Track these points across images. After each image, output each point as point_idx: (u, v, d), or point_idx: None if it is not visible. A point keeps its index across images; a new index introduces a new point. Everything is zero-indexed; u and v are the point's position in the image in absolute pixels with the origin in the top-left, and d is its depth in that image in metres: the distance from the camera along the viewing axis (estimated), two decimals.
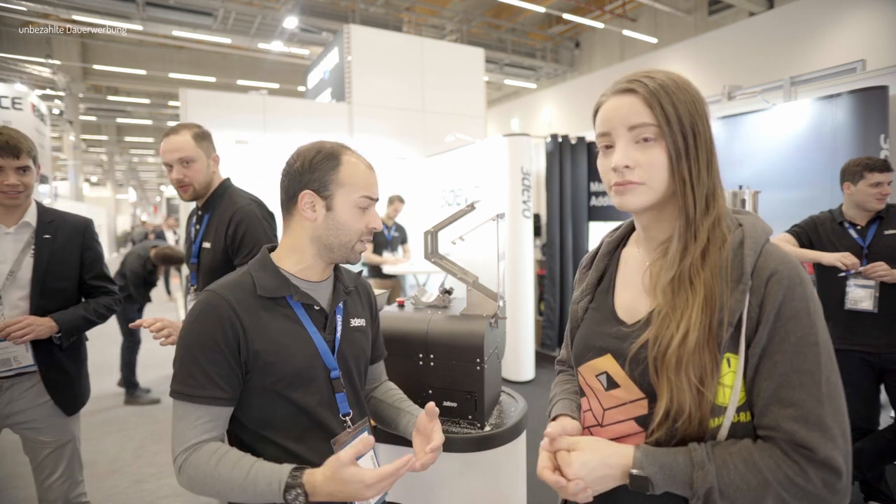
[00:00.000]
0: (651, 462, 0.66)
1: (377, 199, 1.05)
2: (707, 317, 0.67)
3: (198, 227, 1.76)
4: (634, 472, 0.66)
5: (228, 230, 1.67)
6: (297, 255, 1.03)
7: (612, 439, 0.74)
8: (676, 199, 0.72)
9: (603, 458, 0.68)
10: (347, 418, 1.04)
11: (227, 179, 1.81)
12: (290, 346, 0.98)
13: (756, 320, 0.66)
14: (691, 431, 0.67)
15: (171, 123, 18.57)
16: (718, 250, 0.70)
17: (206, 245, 1.71)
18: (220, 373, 0.92)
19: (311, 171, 1.00)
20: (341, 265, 1.13)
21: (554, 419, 0.84)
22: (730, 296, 0.66)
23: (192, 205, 1.85)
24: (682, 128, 0.69)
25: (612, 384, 0.75)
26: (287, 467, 0.87)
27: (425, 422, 1.05)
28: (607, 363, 0.76)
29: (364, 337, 1.14)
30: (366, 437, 0.89)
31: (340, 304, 1.09)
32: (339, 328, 1.07)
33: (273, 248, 1.07)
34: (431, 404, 1.03)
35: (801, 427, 0.62)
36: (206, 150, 1.73)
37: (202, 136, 1.73)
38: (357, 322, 1.12)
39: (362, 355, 1.13)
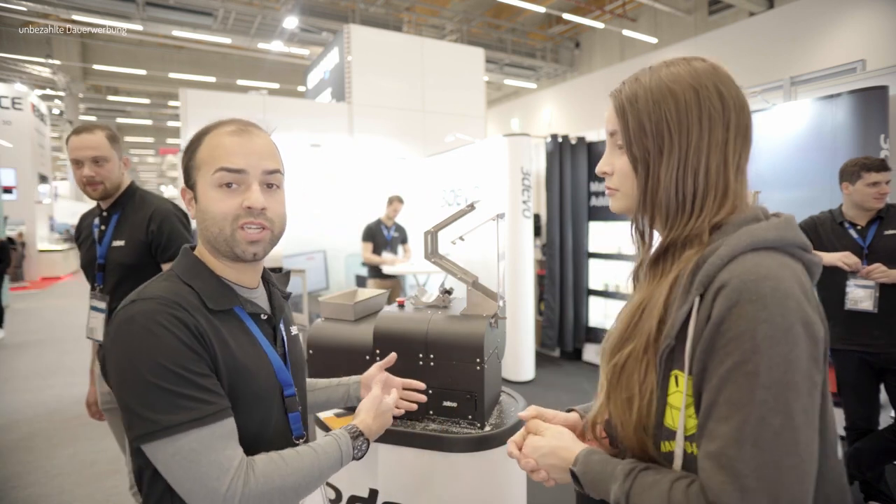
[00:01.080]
0: (583, 464, 0.69)
1: (242, 171, 0.81)
2: (636, 324, 0.68)
3: (103, 227, 1.76)
4: (572, 468, 0.70)
5: (150, 227, 1.72)
6: (213, 259, 0.86)
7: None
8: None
9: (553, 449, 0.73)
10: (301, 441, 0.91)
11: (134, 182, 1.85)
12: (250, 365, 0.82)
13: (701, 336, 0.59)
14: (632, 448, 0.66)
15: (171, 123, 18.51)
16: (685, 260, 0.65)
17: (119, 243, 1.72)
18: (213, 381, 0.75)
19: (184, 164, 0.86)
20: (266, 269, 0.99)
21: (569, 411, 0.89)
22: (677, 306, 0.62)
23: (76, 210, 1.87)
24: (644, 138, 0.67)
25: None
26: (338, 430, 0.90)
27: (375, 373, 1.12)
28: None
29: (300, 345, 1.02)
30: (385, 376, 1.08)
31: (285, 313, 0.97)
32: (285, 339, 0.94)
33: (193, 248, 0.89)
34: (393, 356, 1.14)
35: (710, 465, 0.54)
36: (118, 152, 1.77)
37: (115, 139, 1.76)
38: (294, 330, 1.00)
39: (304, 366, 1.02)
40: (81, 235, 1.83)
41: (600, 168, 0.75)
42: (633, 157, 0.69)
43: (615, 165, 0.73)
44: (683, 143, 0.66)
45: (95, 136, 1.71)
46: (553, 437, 0.75)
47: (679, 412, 0.60)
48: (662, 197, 0.67)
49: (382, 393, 1.03)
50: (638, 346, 0.65)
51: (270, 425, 0.86)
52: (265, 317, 0.90)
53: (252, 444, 0.81)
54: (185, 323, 0.74)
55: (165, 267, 1.76)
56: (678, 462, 0.61)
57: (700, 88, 0.66)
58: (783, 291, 0.55)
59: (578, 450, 0.71)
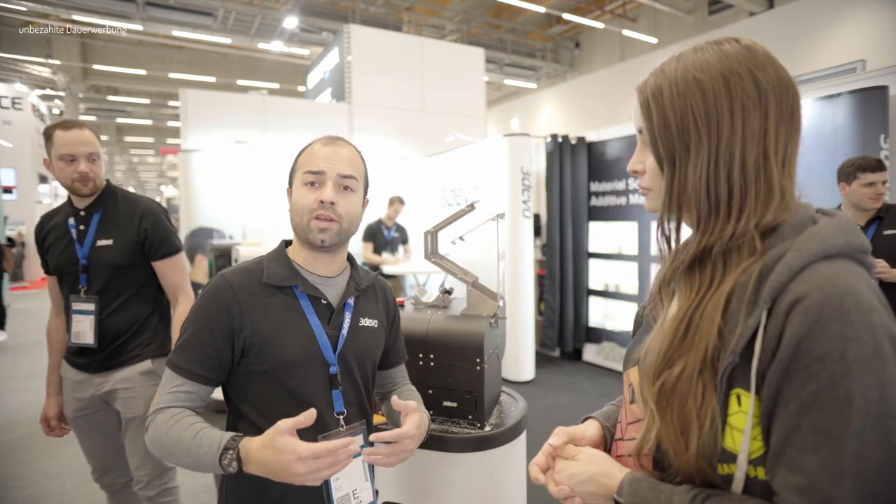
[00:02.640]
0: (631, 493, 0.62)
1: (321, 172, 1.00)
2: (682, 341, 0.60)
3: (82, 227, 1.70)
4: (616, 497, 0.64)
5: (142, 225, 1.72)
6: (297, 246, 1.07)
7: (620, 455, 0.72)
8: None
9: (593, 475, 0.67)
10: (341, 417, 1.03)
11: (109, 180, 1.82)
12: (287, 334, 0.99)
13: (771, 354, 0.52)
14: (683, 471, 0.59)
15: (171, 123, 18.44)
16: (739, 268, 0.58)
17: (105, 242, 1.69)
18: (207, 352, 0.96)
19: (290, 171, 1.08)
20: (358, 263, 1.15)
21: (583, 421, 0.83)
22: (742, 319, 0.55)
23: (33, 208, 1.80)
24: (669, 134, 0.62)
25: (633, 398, 0.71)
26: (231, 433, 0.88)
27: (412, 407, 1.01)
28: (634, 375, 0.71)
29: (374, 338, 1.12)
30: (348, 440, 0.86)
31: (350, 302, 1.08)
32: (345, 325, 1.05)
33: (290, 242, 1.10)
34: (395, 398, 1.01)
35: (802, 501, 0.49)
36: (102, 149, 1.76)
37: (99, 137, 1.76)
38: (367, 322, 1.11)
39: (368, 356, 1.10)
40: (49, 237, 1.72)
41: (631, 167, 0.70)
42: (659, 155, 0.64)
43: (646, 164, 0.68)
44: (713, 138, 0.59)
45: (87, 133, 1.68)
46: (590, 463, 0.69)
47: (741, 434, 0.55)
48: (692, 198, 0.61)
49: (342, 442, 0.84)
50: (690, 365, 0.58)
51: (311, 392, 1.00)
52: (325, 302, 1.04)
53: (292, 401, 0.98)
54: (220, 303, 0.97)
55: (157, 265, 1.75)
56: (738, 486, 0.55)
57: (730, 75, 0.59)
58: (867, 306, 0.50)
59: (620, 475, 0.65)
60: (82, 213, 1.72)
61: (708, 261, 0.61)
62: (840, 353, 0.48)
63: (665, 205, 0.64)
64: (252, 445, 0.83)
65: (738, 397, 0.55)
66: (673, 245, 0.67)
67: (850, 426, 0.47)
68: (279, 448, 0.80)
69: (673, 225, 0.65)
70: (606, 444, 0.79)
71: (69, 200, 1.74)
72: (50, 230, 1.73)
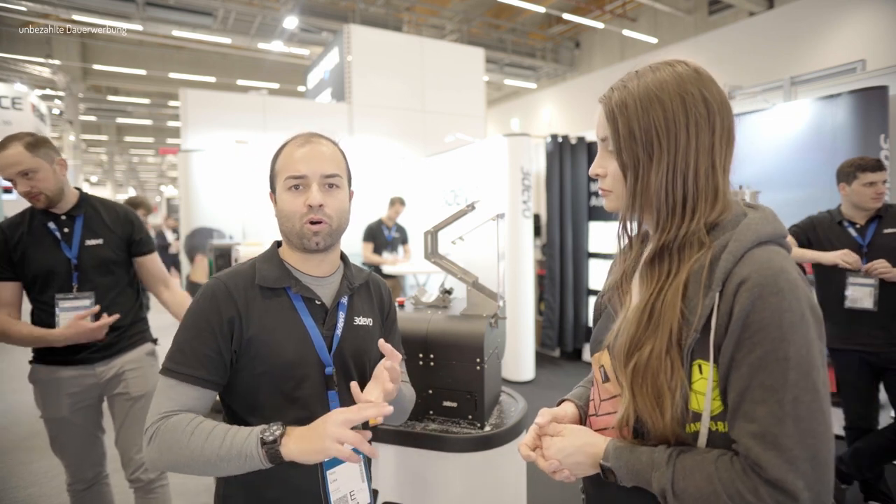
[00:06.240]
0: (617, 457, 0.72)
1: (304, 176, 0.98)
2: (647, 325, 0.70)
3: (66, 230, 1.75)
4: (603, 463, 0.73)
5: (127, 224, 1.86)
6: (288, 248, 1.06)
7: (601, 429, 0.80)
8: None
9: (579, 447, 0.76)
10: None
11: (79, 189, 1.86)
12: (283, 337, 0.98)
13: (724, 328, 0.64)
14: (661, 436, 0.70)
15: (171, 123, 18.42)
16: (692, 259, 0.69)
17: (95, 242, 1.78)
18: (209, 355, 0.94)
19: (269, 175, 1.06)
20: (351, 261, 1.15)
21: (559, 404, 0.92)
22: (700, 300, 0.66)
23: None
24: (633, 145, 0.71)
25: (606, 377, 0.80)
26: (258, 430, 0.86)
27: (380, 368, 0.98)
28: (605, 357, 0.80)
29: (368, 336, 1.11)
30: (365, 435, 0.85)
31: (344, 301, 1.07)
32: (339, 324, 1.05)
33: (281, 243, 1.09)
34: (383, 344, 0.97)
35: (756, 444, 0.61)
36: (46, 158, 1.69)
37: (36, 145, 1.67)
38: (362, 321, 1.10)
39: (364, 355, 1.09)
40: (22, 244, 1.70)
41: (593, 171, 0.79)
42: (623, 162, 0.72)
43: (608, 168, 0.76)
44: (672, 149, 0.69)
45: (12, 149, 1.62)
46: (575, 437, 0.77)
47: (703, 397, 0.66)
48: (653, 200, 0.71)
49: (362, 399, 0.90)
50: (658, 345, 0.68)
51: (307, 394, 0.99)
52: (319, 302, 1.03)
53: (292, 407, 0.98)
54: (218, 305, 0.96)
55: (142, 260, 1.89)
56: (703, 440, 0.67)
57: (686, 95, 0.69)
58: (793, 282, 0.63)
59: (604, 444, 0.74)
60: (63, 217, 1.78)
61: (666, 255, 0.72)
62: (777, 323, 0.61)
63: (628, 206, 0.74)
64: (297, 428, 0.86)
65: (700, 367, 0.67)
66: (634, 242, 0.80)
67: (788, 380, 0.60)
68: (325, 427, 0.83)
69: (635, 223, 0.77)
70: (582, 421, 0.89)
71: (37, 208, 1.75)
72: (22, 236, 1.72)
